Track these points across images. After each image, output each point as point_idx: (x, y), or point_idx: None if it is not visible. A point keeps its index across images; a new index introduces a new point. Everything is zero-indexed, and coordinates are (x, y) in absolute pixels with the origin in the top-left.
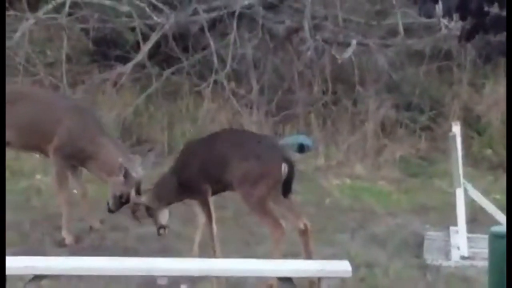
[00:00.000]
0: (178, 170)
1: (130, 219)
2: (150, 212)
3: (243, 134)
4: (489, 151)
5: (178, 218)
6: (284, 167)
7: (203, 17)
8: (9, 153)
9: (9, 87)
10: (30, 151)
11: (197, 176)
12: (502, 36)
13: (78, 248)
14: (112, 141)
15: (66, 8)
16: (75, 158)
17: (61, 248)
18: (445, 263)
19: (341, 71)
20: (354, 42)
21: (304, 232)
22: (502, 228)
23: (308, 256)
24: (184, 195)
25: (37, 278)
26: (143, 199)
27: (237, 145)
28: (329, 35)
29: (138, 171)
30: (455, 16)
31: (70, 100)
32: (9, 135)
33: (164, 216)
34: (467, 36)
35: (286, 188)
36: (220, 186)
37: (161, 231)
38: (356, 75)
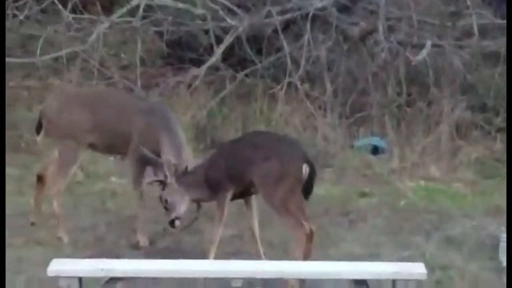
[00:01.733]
0: (206, 168)
1: (205, 222)
2: (172, 198)
3: (265, 135)
4: None
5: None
6: (305, 168)
7: (277, 19)
8: (84, 156)
9: (88, 90)
10: (113, 154)
11: (223, 176)
12: None
13: (153, 251)
14: (170, 141)
15: (140, 11)
16: (146, 160)
17: (136, 250)
18: None
19: (415, 72)
20: (428, 43)
21: (308, 238)
22: None
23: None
24: (207, 193)
25: (113, 280)
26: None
27: (260, 146)
28: (403, 37)
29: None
30: None
31: (145, 100)
32: (93, 138)
33: (182, 207)
34: None
35: (308, 189)
36: (244, 188)
37: (177, 222)
38: (430, 77)
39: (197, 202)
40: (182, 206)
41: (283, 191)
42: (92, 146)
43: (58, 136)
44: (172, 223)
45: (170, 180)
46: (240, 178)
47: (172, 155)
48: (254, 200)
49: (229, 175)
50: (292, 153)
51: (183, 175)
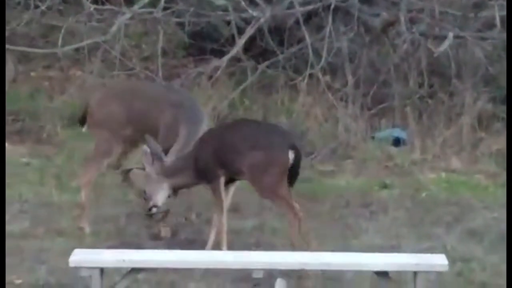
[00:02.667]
0: (196, 154)
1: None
2: (149, 188)
3: (252, 124)
4: None
5: (274, 212)
6: (291, 154)
7: (299, 11)
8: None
9: (127, 83)
10: None
11: (213, 162)
12: None
13: (174, 242)
14: (187, 136)
15: (162, 2)
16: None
17: (157, 241)
18: None
19: (437, 64)
20: (450, 35)
21: (298, 222)
22: None
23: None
24: (198, 179)
25: (134, 271)
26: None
27: (247, 135)
28: (425, 28)
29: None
30: None
31: (177, 93)
32: (128, 131)
33: (159, 196)
34: None
35: (293, 175)
36: (233, 174)
37: (153, 209)
38: (452, 68)
39: (181, 188)
40: (159, 195)
41: (272, 179)
42: (128, 140)
43: (96, 128)
44: (149, 211)
45: (149, 169)
46: (228, 166)
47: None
48: (232, 188)
49: (219, 161)
50: (279, 141)
51: (166, 164)
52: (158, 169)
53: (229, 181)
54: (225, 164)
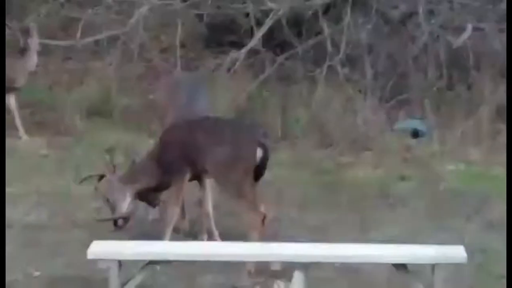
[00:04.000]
0: (159, 154)
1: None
2: (112, 197)
3: (218, 121)
4: None
5: (292, 204)
6: (259, 152)
7: (317, 2)
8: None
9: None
10: None
11: (178, 158)
12: None
13: (192, 234)
14: None
15: None
16: None
17: (175, 233)
18: None
19: (456, 56)
20: (469, 26)
21: (263, 221)
22: None
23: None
24: (163, 180)
25: (152, 263)
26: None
27: (212, 133)
28: (444, 20)
29: None
30: None
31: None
32: None
33: (123, 205)
34: None
35: (259, 172)
36: (199, 171)
37: (120, 222)
38: (471, 60)
39: (147, 193)
40: (123, 204)
41: (237, 177)
42: None
43: None
44: (115, 223)
45: (110, 177)
46: (193, 162)
47: None
48: (209, 181)
49: (183, 158)
50: (246, 138)
51: (128, 169)
52: (120, 176)
53: (194, 178)
54: (191, 161)
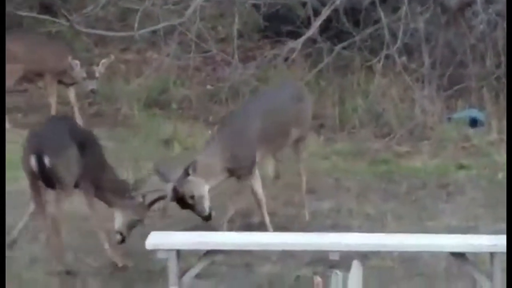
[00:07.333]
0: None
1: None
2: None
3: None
4: None
5: (350, 194)
6: (33, 160)
7: None
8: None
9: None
10: None
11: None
12: None
13: (249, 224)
14: None
15: None
16: None
17: (232, 223)
18: None
19: None
20: None
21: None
22: None
23: None
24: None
25: (210, 253)
26: None
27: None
28: (502, 8)
29: None
30: None
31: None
32: None
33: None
34: None
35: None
36: None
37: (118, 237)
38: None
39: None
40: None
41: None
42: None
43: None
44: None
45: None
46: None
47: None
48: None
49: None
50: (28, 144)
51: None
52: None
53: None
54: None
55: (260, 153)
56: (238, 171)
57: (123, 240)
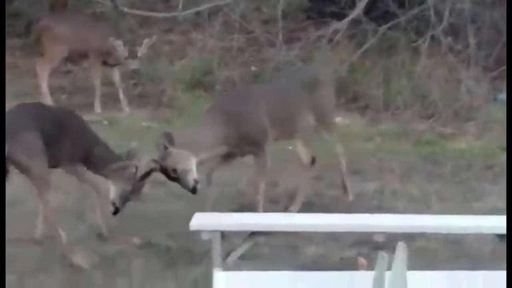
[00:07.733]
0: None
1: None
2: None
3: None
4: None
5: (394, 174)
6: None
7: None
8: None
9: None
10: None
11: None
12: None
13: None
14: None
15: None
16: None
17: (276, 204)
18: None
19: None
20: None
21: None
22: None
23: None
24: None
25: (254, 234)
26: None
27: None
28: None
29: None
30: None
31: None
32: None
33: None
34: None
35: None
36: None
37: (111, 207)
38: None
39: None
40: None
41: None
42: None
43: None
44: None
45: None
46: None
47: None
48: None
49: None
50: None
51: None
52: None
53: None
54: None
55: (269, 134)
56: (246, 147)
57: (116, 211)
